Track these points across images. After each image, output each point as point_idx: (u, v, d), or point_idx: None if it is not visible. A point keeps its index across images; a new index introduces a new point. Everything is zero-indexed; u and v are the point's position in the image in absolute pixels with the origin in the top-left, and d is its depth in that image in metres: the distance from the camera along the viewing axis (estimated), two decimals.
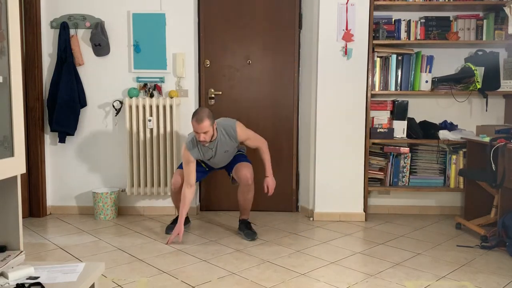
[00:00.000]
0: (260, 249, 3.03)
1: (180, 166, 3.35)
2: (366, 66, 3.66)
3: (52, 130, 3.80)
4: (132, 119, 3.74)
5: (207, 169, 3.40)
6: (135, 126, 3.75)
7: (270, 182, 3.28)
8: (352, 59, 3.64)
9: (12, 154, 1.47)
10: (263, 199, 4.04)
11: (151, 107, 3.75)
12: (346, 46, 3.62)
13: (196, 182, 3.24)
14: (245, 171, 3.20)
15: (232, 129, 3.17)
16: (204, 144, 3.07)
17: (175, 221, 3.41)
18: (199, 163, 3.31)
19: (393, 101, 3.84)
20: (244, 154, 3.43)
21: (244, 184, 3.22)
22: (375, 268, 2.67)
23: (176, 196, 3.34)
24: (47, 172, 3.93)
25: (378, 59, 3.76)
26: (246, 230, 3.29)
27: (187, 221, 3.48)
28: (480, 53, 3.82)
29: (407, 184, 3.84)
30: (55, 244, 3.13)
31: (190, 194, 3.18)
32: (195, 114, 3.00)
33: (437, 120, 3.91)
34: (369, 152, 3.78)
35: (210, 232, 3.43)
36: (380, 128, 3.74)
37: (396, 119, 3.81)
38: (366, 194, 3.75)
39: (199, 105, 3.99)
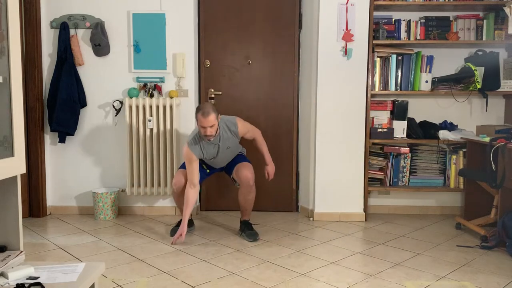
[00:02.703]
0: (260, 249, 3.03)
1: (181, 167, 3.32)
2: (366, 66, 3.66)
3: (52, 130, 3.79)
4: (132, 119, 3.75)
5: (208, 170, 3.38)
6: (135, 126, 3.75)
7: (270, 169, 3.37)
8: (352, 59, 3.64)
9: (12, 154, 1.47)
10: (263, 199, 4.05)
11: (151, 107, 3.76)
12: (346, 46, 3.62)
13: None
14: (246, 171, 3.19)
15: (233, 124, 3.17)
16: (209, 139, 3.03)
17: (179, 223, 3.35)
18: (200, 165, 3.27)
19: (393, 101, 3.84)
20: (244, 155, 3.42)
21: (245, 185, 3.20)
22: (375, 268, 2.67)
23: (179, 197, 3.29)
24: (47, 172, 3.93)
25: (378, 59, 3.76)
26: (248, 230, 3.27)
27: (191, 223, 3.41)
28: (480, 53, 3.82)
29: (407, 184, 3.84)
30: (55, 244, 3.13)
31: (194, 194, 3.15)
32: (200, 109, 2.96)
33: (437, 120, 3.91)
34: (369, 152, 3.78)
35: (210, 232, 3.43)
36: (380, 128, 3.74)
37: (396, 119, 3.81)
38: (366, 194, 3.75)
39: None
